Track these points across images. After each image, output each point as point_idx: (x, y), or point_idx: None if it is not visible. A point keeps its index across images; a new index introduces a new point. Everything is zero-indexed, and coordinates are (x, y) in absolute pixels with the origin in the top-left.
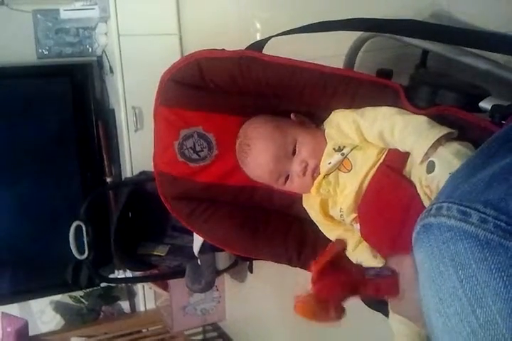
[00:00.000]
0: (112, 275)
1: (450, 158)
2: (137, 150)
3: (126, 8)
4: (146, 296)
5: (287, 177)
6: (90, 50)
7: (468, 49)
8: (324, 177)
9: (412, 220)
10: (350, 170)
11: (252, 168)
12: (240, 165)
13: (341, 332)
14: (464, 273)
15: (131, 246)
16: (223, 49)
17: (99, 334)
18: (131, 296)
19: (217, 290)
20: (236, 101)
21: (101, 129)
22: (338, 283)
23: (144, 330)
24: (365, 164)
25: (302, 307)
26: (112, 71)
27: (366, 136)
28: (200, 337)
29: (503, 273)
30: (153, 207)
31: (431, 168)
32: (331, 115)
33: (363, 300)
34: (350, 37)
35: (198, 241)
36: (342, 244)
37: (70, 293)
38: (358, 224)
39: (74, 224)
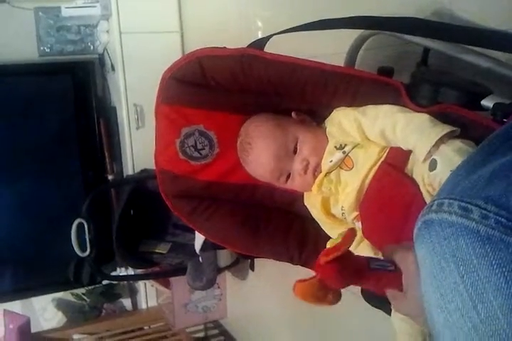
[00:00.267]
0: (113, 273)
1: (452, 156)
2: (139, 148)
3: (127, 5)
4: (148, 294)
5: (289, 176)
6: (92, 47)
7: (470, 47)
8: (326, 175)
9: (414, 218)
10: (351, 168)
11: (254, 167)
12: (242, 164)
13: (342, 330)
14: (465, 269)
15: (133, 244)
16: (225, 47)
17: (101, 332)
18: (132, 294)
19: (219, 287)
20: (237, 99)
21: (102, 127)
22: (343, 270)
23: (145, 328)
24: (366, 162)
25: (302, 289)
26: (113, 69)
27: (368, 134)
28: (201, 334)
29: (504, 269)
30: (154, 204)
31: (433, 165)
32: (333, 113)
33: (363, 296)
34: (351, 35)
35: (199, 238)
36: (355, 232)
37: (71, 291)
38: (360, 223)
39: (76, 222)
